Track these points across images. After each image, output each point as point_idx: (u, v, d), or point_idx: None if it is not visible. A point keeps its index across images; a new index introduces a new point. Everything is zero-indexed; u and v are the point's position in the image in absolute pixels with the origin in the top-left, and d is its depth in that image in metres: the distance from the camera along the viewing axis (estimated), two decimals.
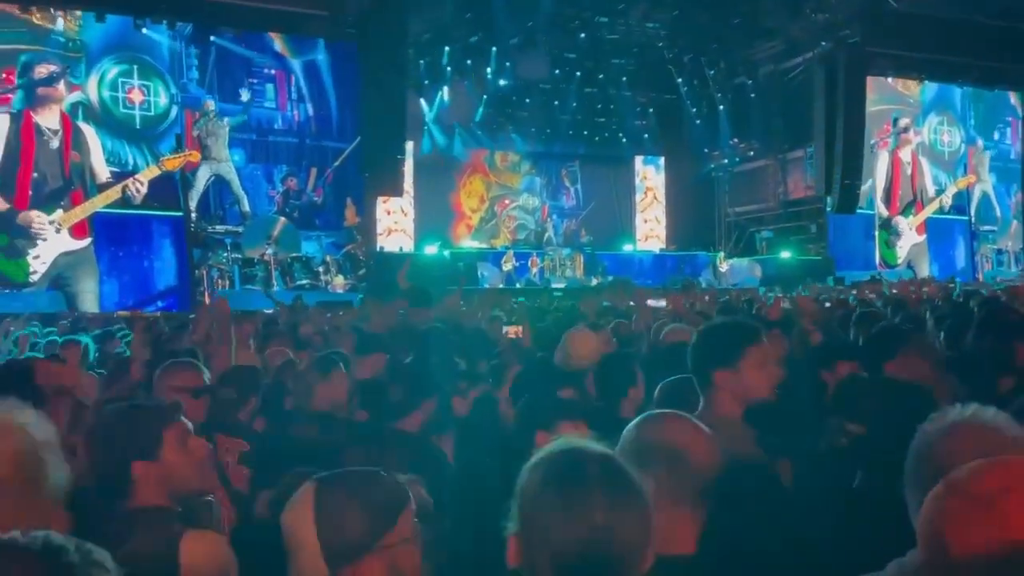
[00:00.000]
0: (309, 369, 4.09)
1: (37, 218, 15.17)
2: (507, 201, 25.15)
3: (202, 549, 2.05)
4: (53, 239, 15.28)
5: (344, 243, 17.97)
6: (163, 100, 16.81)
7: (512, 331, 5.23)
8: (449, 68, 21.48)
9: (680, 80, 23.34)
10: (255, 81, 18.08)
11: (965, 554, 1.12)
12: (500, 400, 3.90)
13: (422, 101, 21.83)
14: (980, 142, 24.30)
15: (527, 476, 1.40)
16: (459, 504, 2.57)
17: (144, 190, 16.02)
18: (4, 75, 15.42)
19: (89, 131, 15.94)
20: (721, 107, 23.73)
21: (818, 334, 4.24)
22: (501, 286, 18.47)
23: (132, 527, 2.02)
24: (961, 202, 23.80)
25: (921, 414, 1.66)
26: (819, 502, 2.27)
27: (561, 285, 19.27)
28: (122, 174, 16.03)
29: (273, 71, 18.29)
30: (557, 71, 22.40)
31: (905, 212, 23.01)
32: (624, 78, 22.94)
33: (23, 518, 1.29)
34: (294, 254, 16.91)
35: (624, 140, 24.93)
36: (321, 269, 17.02)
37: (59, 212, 15.38)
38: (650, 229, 26.61)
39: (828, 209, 21.54)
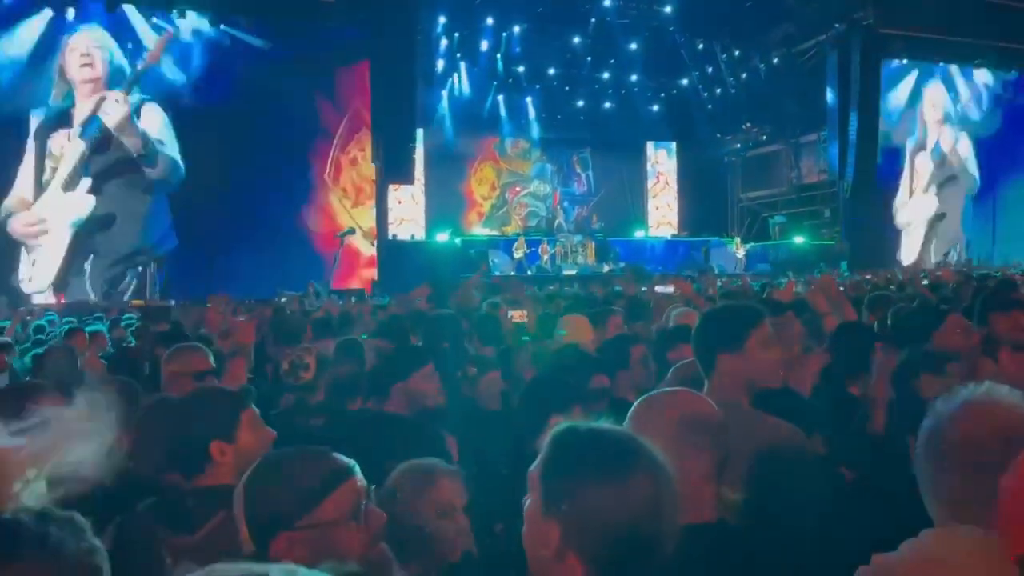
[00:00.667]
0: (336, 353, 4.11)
1: None
2: (518, 188, 25.09)
3: None
4: None
5: None
6: None
7: (516, 315, 5.17)
8: (459, 55, 21.41)
9: (691, 64, 23.15)
10: None
11: None
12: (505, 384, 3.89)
13: (433, 89, 21.77)
14: None
15: (560, 457, 1.38)
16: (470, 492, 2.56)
17: None
18: None
19: None
20: (733, 91, 23.54)
21: (833, 317, 4.17)
22: (512, 273, 18.44)
23: (208, 505, 2.02)
24: None
25: None
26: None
27: (573, 272, 19.22)
28: None
29: None
30: (568, 56, 22.26)
31: None
32: (635, 63, 22.79)
33: None
34: None
35: (635, 126, 24.80)
36: None
37: None
38: (662, 215, 26.51)
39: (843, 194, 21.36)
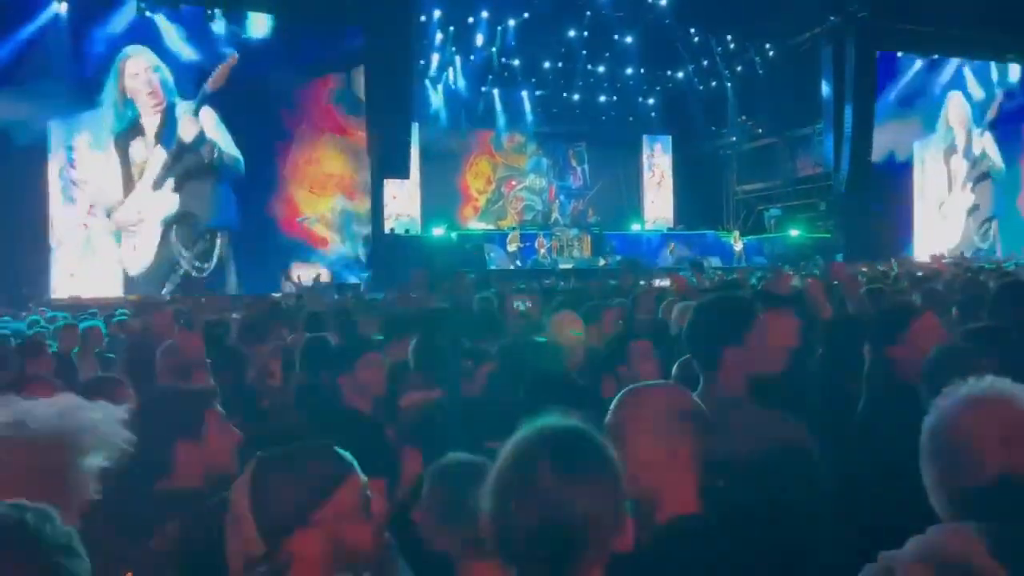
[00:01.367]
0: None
1: None
2: (514, 182, 25.06)
3: None
4: None
5: None
6: None
7: (525, 304, 5.11)
8: (454, 49, 21.34)
9: (687, 58, 23.12)
10: None
11: None
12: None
13: (428, 83, 21.71)
14: None
15: (498, 455, 1.43)
16: None
17: None
18: None
19: None
20: (729, 84, 23.50)
21: (829, 308, 4.16)
22: (509, 267, 18.44)
23: (173, 508, 1.99)
24: None
25: None
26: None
27: (569, 266, 19.21)
28: None
29: None
30: (563, 49, 22.21)
31: None
32: (630, 57, 22.74)
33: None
34: None
35: (631, 119, 24.78)
36: None
37: None
38: (658, 209, 26.49)
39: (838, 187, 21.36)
